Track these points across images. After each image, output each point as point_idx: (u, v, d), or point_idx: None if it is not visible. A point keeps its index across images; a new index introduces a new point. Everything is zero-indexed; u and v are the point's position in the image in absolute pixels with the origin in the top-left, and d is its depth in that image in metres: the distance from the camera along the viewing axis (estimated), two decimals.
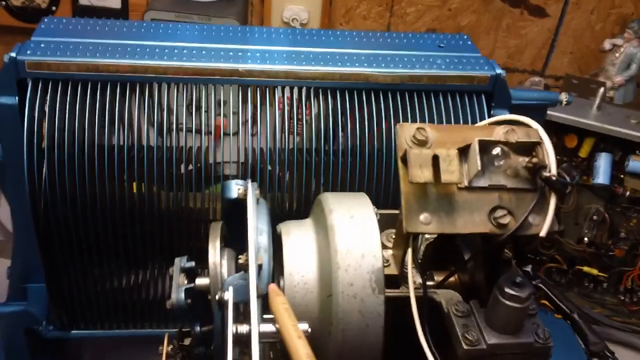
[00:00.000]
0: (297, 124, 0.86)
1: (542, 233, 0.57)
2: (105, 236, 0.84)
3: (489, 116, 0.85)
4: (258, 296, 0.58)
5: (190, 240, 0.89)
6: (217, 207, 0.90)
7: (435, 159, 0.56)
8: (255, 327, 0.50)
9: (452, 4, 1.74)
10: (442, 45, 0.89)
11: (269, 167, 0.86)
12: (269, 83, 0.82)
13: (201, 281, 0.66)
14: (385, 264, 0.66)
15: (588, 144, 1.21)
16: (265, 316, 0.61)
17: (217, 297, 0.55)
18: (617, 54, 1.59)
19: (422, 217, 0.57)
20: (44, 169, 0.80)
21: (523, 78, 1.86)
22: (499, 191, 0.57)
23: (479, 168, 0.55)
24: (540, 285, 0.67)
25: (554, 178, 0.56)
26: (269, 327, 0.52)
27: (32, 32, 0.84)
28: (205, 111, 0.83)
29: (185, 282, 0.66)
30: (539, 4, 1.74)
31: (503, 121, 0.63)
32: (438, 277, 0.70)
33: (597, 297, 1.38)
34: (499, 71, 0.84)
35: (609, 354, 0.62)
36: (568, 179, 0.57)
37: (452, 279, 0.69)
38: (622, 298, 1.35)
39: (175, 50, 0.82)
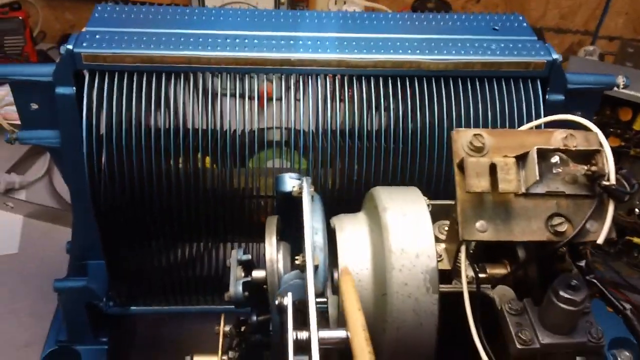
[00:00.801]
0: (340, 104, 0.86)
1: (600, 240, 0.57)
2: (162, 217, 0.87)
3: (544, 102, 0.83)
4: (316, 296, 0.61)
5: (242, 216, 0.92)
6: (267, 182, 0.91)
7: (493, 168, 0.56)
8: (315, 333, 0.52)
9: None
10: (496, 27, 0.87)
11: (314, 136, 0.85)
12: (320, 72, 0.82)
13: (258, 274, 0.68)
14: (438, 259, 0.67)
15: None
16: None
17: (276, 302, 0.57)
18: None
19: (479, 224, 0.57)
20: (103, 155, 0.82)
21: (575, 39, 1.80)
22: (556, 198, 0.57)
23: (537, 177, 0.55)
24: (594, 281, 0.67)
25: (613, 187, 0.55)
26: (328, 334, 0.54)
27: None
28: (251, 77, 0.84)
29: (243, 274, 0.68)
30: None
31: (561, 122, 0.62)
32: (490, 270, 0.70)
33: None
34: (555, 56, 0.82)
35: None
36: (628, 186, 0.56)
37: (504, 271, 0.69)
38: None
39: (228, 40, 0.82)
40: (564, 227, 0.57)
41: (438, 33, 0.86)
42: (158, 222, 0.87)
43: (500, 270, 0.69)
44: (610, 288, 1.28)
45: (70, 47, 0.79)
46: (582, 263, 0.68)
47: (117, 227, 0.85)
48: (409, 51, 0.82)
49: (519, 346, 0.60)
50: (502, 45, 0.84)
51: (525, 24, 0.89)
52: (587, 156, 0.57)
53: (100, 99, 0.80)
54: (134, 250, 0.89)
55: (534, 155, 0.55)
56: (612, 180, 0.56)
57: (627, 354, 1.11)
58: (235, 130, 0.85)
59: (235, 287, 0.66)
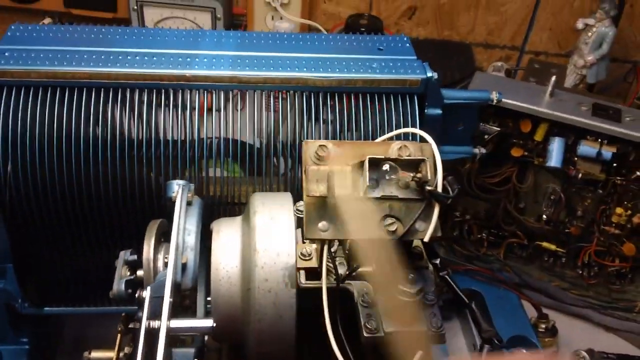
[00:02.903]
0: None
1: (426, 238, 0.64)
2: (69, 221, 0.92)
3: (421, 116, 0.91)
4: (183, 290, 0.68)
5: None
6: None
7: (331, 175, 0.63)
8: (165, 323, 0.58)
9: None
10: (381, 48, 0.95)
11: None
12: (214, 87, 0.89)
13: (141, 272, 0.75)
14: (308, 258, 0.74)
15: (542, 129, 1.26)
16: None
17: (136, 295, 0.64)
18: (589, 33, 1.61)
19: (321, 224, 0.65)
20: (9, 164, 0.87)
21: (503, 54, 1.89)
22: (390, 201, 0.65)
23: (368, 183, 0.63)
24: (445, 276, 0.75)
25: (434, 191, 0.63)
26: (179, 323, 0.60)
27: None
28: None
29: (128, 273, 0.75)
30: None
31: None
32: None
33: (557, 271, 1.45)
34: (430, 74, 0.90)
35: (497, 341, 0.70)
36: (450, 190, 0.64)
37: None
38: (580, 272, 1.43)
39: (129, 57, 0.89)
40: (394, 227, 0.64)
41: (327, 52, 0.94)
42: (67, 226, 0.92)
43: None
44: (515, 290, 1.37)
45: None
46: (437, 261, 0.76)
47: (25, 234, 0.91)
48: (297, 69, 0.90)
49: (366, 334, 0.68)
50: (383, 64, 0.92)
51: (408, 45, 0.97)
52: (415, 164, 0.64)
53: (6, 112, 0.86)
54: (43, 254, 0.95)
55: (366, 164, 0.63)
56: (439, 186, 0.64)
57: (524, 351, 1.19)
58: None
59: (118, 285, 0.73)
